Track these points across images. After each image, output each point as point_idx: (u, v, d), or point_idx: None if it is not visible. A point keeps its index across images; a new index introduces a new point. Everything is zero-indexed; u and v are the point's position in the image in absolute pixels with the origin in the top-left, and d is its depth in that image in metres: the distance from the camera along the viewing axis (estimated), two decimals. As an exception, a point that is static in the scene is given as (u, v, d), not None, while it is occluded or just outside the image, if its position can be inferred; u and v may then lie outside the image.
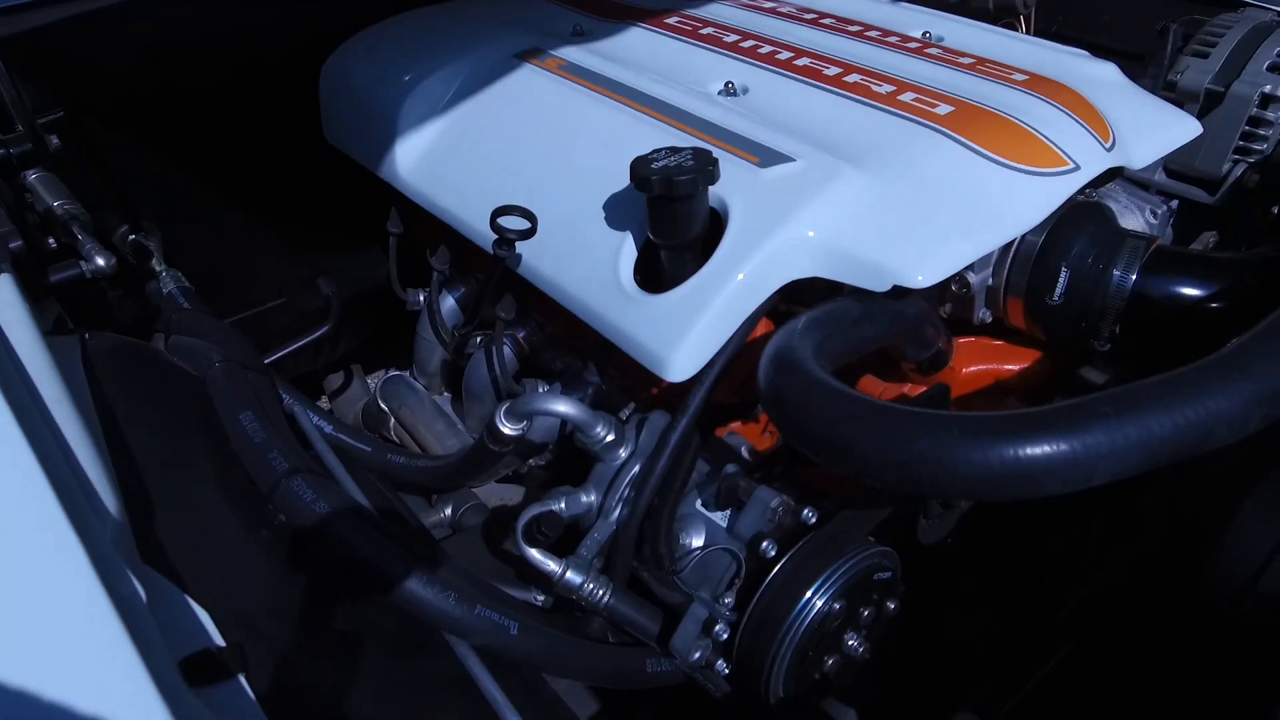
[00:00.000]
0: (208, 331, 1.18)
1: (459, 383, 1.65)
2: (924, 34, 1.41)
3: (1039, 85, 1.20)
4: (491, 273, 1.20)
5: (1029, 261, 1.13)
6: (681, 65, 1.33)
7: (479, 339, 1.52)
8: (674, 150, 1.00)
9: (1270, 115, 1.35)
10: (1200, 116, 1.40)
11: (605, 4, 1.60)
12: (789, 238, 1.00)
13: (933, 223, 1.00)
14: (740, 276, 1.00)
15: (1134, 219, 1.22)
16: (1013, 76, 1.22)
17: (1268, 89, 1.34)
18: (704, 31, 1.41)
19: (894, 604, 1.00)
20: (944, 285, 1.16)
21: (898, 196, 1.02)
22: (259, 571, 0.87)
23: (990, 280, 1.17)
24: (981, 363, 1.23)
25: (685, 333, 0.99)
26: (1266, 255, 1.12)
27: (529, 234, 1.10)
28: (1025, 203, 1.05)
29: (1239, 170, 1.38)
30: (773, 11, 1.50)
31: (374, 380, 2.04)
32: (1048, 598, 1.21)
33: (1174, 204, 1.25)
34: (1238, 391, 0.72)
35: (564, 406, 1.02)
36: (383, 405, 1.80)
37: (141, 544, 0.73)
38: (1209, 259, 1.14)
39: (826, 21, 1.44)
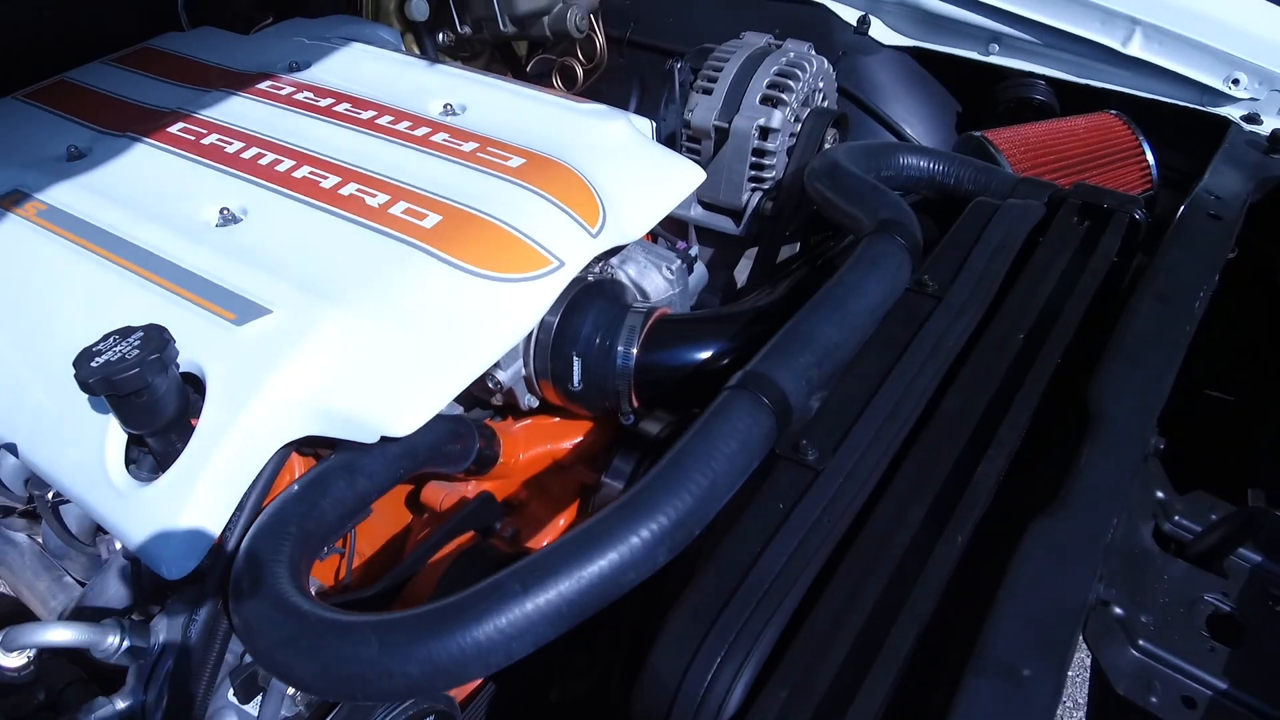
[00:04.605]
0: None
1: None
2: (445, 106, 1.39)
3: (532, 171, 1.22)
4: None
5: (547, 350, 1.17)
6: (178, 190, 1.23)
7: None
8: (125, 333, 0.94)
9: (771, 145, 1.45)
10: (715, 151, 1.49)
11: (105, 106, 1.45)
12: (270, 402, 0.97)
13: (413, 361, 1.00)
14: (224, 452, 0.95)
15: (653, 277, 1.28)
16: (509, 163, 1.23)
17: (763, 121, 1.44)
18: (207, 141, 1.32)
19: (454, 732, 1.02)
20: (481, 381, 1.17)
21: (379, 335, 1.01)
22: None
23: (523, 370, 1.20)
24: (539, 445, 1.27)
25: (175, 524, 0.94)
26: (759, 307, 1.22)
27: None
28: (511, 314, 1.07)
29: (756, 198, 1.48)
30: (288, 100, 1.41)
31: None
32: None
33: (694, 251, 1.32)
34: (639, 537, 0.77)
35: (59, 635, 0.94)
36: (-19, 564, 1.62)
37: None
38: (709, 319, 1.22)
39: (341, 109, 1.38)
